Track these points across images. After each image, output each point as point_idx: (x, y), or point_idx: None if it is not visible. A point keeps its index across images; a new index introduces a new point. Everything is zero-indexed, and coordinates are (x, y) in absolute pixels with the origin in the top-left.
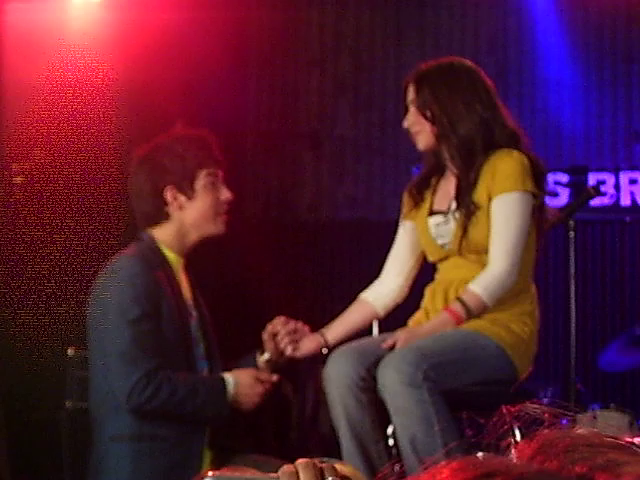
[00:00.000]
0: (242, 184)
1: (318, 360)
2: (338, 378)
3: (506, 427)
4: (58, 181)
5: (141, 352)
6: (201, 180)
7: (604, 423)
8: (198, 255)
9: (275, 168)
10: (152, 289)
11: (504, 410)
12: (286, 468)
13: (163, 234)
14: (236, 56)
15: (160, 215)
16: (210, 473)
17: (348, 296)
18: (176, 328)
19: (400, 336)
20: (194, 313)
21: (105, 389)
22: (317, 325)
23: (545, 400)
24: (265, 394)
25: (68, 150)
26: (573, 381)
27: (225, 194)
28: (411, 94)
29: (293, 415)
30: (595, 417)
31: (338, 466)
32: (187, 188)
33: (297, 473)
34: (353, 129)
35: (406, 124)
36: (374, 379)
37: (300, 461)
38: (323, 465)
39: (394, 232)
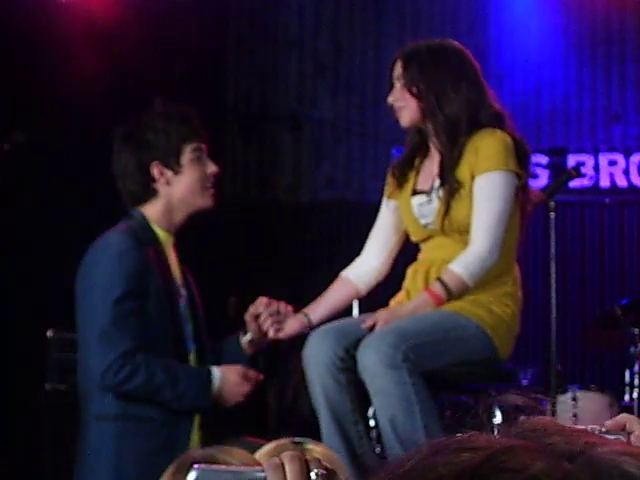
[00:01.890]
0: (222, 166)
1: (297, 345)
2: (316, 358)
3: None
4: (35, 161)
5: (121, 332)
6: (187, 154)
7: (584, 404)
8: (178, 236)
9: (255, 150)
10: (141, 267)
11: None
12: (272, 461)
13: (152, 211)
14: (215, 38)
15: (148, 192)
16: (196, 465)
17: (328, 276)
18: (165, 307)
19: (380, 316)
20: (183, 292)
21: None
22: (297, 306)
23: (525, 382)
24: (249, 393)
25: (50, 130)
26: (553, 362)
27: (211, 167)
28: (398, 70)
29: (271, 398)
30: (575, 398)
31: (319, 449)
32: (173, 163)
33: (283, 466)
34: (332, 111)
35: (390, 99)
36: (353, 359)
37: (286, 453)
38: (308, 457)
39: (374, 213)
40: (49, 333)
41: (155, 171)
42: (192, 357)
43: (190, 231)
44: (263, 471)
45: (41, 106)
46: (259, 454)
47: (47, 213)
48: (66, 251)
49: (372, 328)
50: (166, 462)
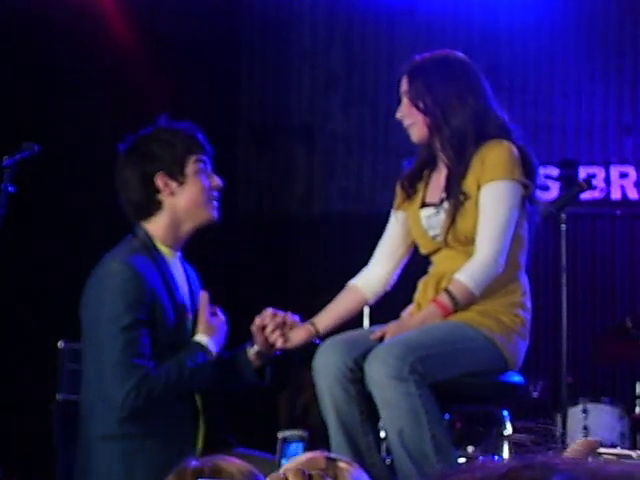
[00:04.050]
0: (234, 177)
1: (308, 360)
2: (326, 370)
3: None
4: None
5: (133, 360)
6: (191, 166)
7: (595, 416)
8: (190, 248)
9: (267, 162)
10: (145, 294)
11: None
12: (275, 476)
13: (157, 227)
14: (228, 51)
15: (152, 204)
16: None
17: (339, 288)
18: (171, 329)
19: (389, 328)
20: (190, 306)
21: (98, 389)
22: (308, 317)
23: (535, 394)
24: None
25: (64, 141)
26: (564, 374)
27: (215, 180)
28: (404, 85)
29: (282, 411)
30: (586, 411)
31: (350, 468)
32: (177, 174)
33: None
34: (345, 123)
35: (398, 115)
36: (363, 371)
37: (290, 468)
38: (312, 473)
39: (385, 224)
40: (60, 344)
41: (159, 182)
42: None
43: (201, 242)
44: None
45: (54, 117)
46: (289, 465)
47: (60, 225)
48: (78, 263)
49: (381, 340)
50: None
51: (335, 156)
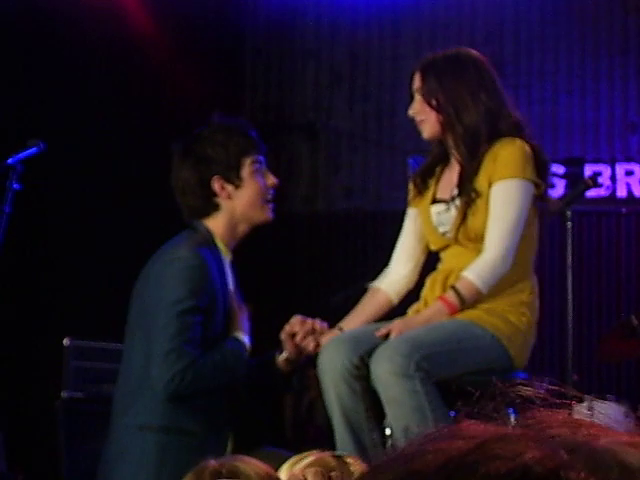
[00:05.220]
0: None
1: (313, 361)
2: (331, 366)
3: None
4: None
5: (184, 345)
6: (246, 167)
7: (600, 413)
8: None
9: (271, 159)
10: (207, 283)
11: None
12: (294, 477)
13: (215, 225)
14: (232, 48)
15: (209, 207)
16: None
17: (344, 285)
18: (218, 322)
19: (394, 326)
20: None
21: (143, 376)
22: (312, 315)
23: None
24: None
25: (69, 137)
26: (570, 371)
27: (271, 179)
28: (417, 82)
29: (287, 411)
30: (591, 408)
31: (358, 464)
32: (234, 177)
33: None
34: (349, 120)
35: (411, 112)
36: (368, 368)
37: (309, 470)
38: (332, 475)
39: (390, 222)
40: (66, 341)
41: (216, 186)
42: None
43: None
44: None
45: (60, 113)
46: (299, 465)
47: (66, 223)
48: (83, 260)
49: (386, 337)
50: None
51: (339, 154)
